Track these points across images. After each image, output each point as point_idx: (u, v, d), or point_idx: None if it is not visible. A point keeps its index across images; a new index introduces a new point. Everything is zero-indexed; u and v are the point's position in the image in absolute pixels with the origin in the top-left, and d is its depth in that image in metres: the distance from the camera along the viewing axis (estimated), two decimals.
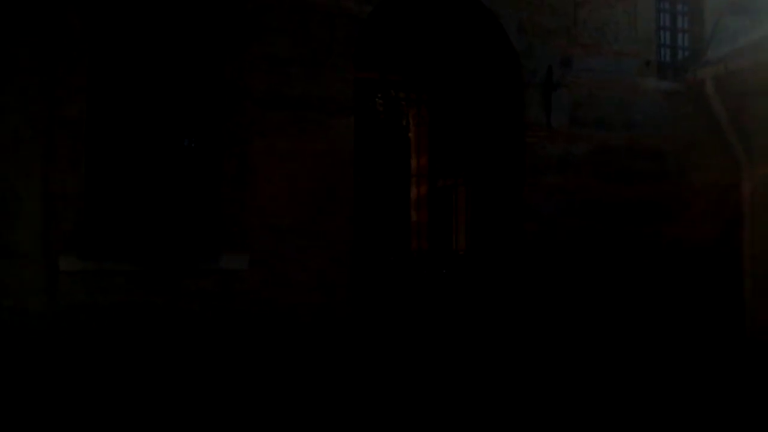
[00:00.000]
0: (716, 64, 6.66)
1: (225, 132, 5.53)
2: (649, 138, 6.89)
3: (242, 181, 5.52)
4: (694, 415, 5.00)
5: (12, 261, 4.97)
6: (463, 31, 6.69)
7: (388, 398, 5.28)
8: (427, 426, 4.63)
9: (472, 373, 5.95)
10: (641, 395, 5.42)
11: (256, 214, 5.53)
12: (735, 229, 6.97)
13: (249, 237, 5.50)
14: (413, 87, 6.80)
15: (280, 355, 5.46)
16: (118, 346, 5.11)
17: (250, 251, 5.48)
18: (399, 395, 5.35)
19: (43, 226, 5.05)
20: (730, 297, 6.84)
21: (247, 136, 5.55)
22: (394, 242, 7.25)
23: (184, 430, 4.64)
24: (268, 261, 5.52)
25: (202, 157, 5.61)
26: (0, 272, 4.93)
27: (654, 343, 6.57)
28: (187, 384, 5.19)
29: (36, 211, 5.06)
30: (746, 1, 7.33)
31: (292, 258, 5.59)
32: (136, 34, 5.43)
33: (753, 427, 4.65)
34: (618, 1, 6.83)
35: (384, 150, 7.55)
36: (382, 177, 7.22)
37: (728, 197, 7.03)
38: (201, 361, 5.28)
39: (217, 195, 5.52)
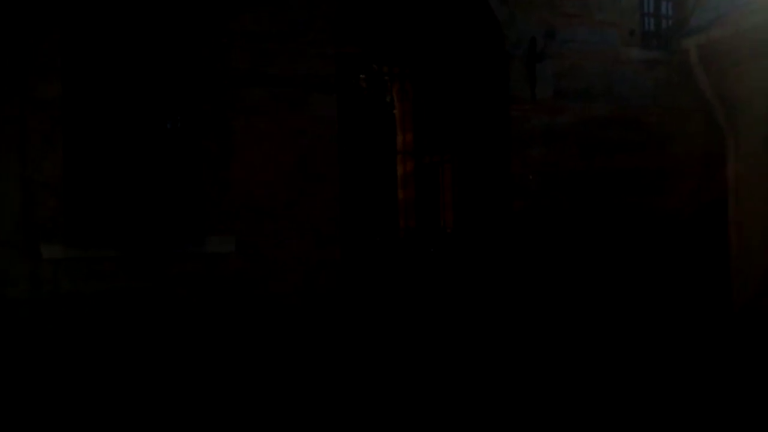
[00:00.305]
0: (699, 33, 6.61)
1: (205, 112, 5.43)
2: (633, 109, 6.87)
3: (225, 162, 5.44)
4: (680, 391, 5.06)
5: None
6: (445, 3, 6.57)
7: (374, 382, 5.28)
8: (415, 413, 4.65)
9: (461, 353, 5.96)
10: (629, 373, 5.46)
11: (240, 195, 5.46)
12: (721, 200, 7.01)
13: (234, 219, 5.43)
14: (396, 61, 6.71)
15: (268, 338, 5.43)
16: (104, 333, 5.05)
17: (235, 234, 5.42)
18: (386, 380, 5.35)
19: (23, 213, 4.96)
20: (716, 270, 6.90)
21: (227, 116, 5.46)
22: (381, 221, 7.22)
23: (172, 416, 4.61)
24: (253, 243, 5.47)
25: (184, 138, 5.51)
26: None
27: (641, 317, 6.63)
28: (175, 370, 5.15)
29: (15, 197, 4.95)
30: None
31: (278, 239, 5.54)
32: (111, 10, 5.27)
33: (741, 403, 4.72)
34: None
35: (369, 127, 7.48)
36: (368, 154, 7.15)
37: (714, 168, 7.04)
38: (188, 347, 5.23)
39: (199, 177, 5.44)
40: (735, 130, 6.83)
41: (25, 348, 4.88)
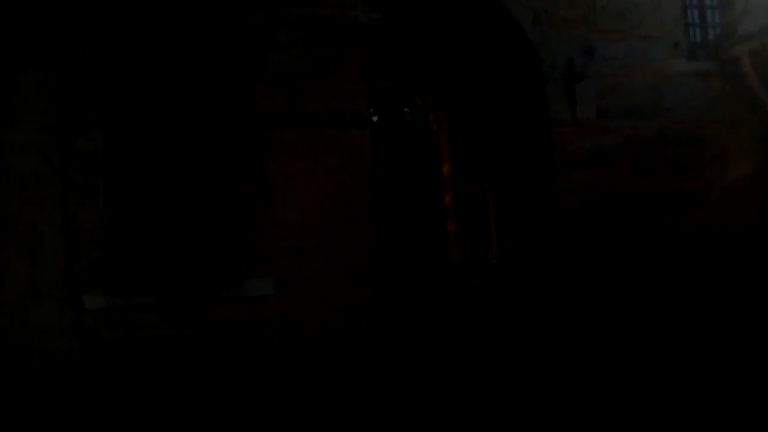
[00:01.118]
0: (751, 39, 6.25)
1: (241, 155, 5.44)
2: (683, 124, 6.51)
3: (260, 204, 5.42)
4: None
5: (37, 301, 4.96)
6: (476, 29, 6.46)
7: (420, 422, 5.05)
8: None
9: (511, 393, 5.66)
10: (679, 401, 5.05)
11: (276, 236, 5.40)
12: None
13: (271, 260, 5.37)
14: (429, 92, 6.62)
15: (310, 380, 5.30)
16: (146, 380, 5.03)
17: (273, 275, 5.36)
18: (432, 417, 5.11)
19: (66, 264, 5.04)
20: None
21: (261, 158, 5.45)
22: (423, 253, 7.05)
23: None
24: (291, 284, 5.38)
25: (220, 181, 5.53)
26: (26, 314, 4.93)
27: (692, 344, 6.14)
28: (219, 415, 5.08)
29: (58, 249, 5.05)
30: None
31: (316, 279, 5.43)
32: (144, 62, 5.40)
33: None
34: None
35: (408, 159, 7.39)
36: (408, 187, 7.04)
37: None
38: (230, 392, 5.16)
39: (236, 220, 5.43)
40: None
41: (72, 398, 4.91)
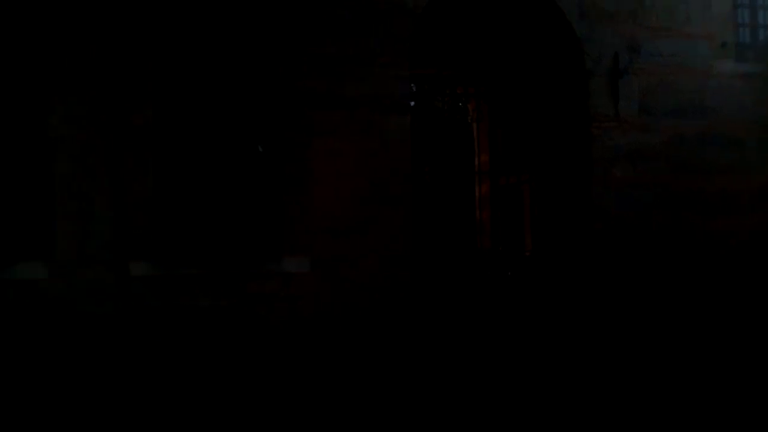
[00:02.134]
0: None
1: (286, 135, 5.58)
2: (727, 126, 6.42)
3: (301, 184, 5.56)
4: None
5: (86, 267, 5.20)
6: (521, 20, 6.46)
7: (446, 405, 5.16)
8: None
9: (538, 382, 5.72)
10: (708, 402, 5.06)
11: (316, 216, 5.55)
12: None
13: (309, 239, 5.52)
14: (471, 81, 6.64)
15: (339, 354, 5.46)
16: (185, 347, 5.25)
17: (311, 254, 5.51)
18: (458, 402, 5.21)
19: (115, 233, 5.26)
20: None
21: (304, 139, 5.58)
22: (457, 241, 7.12)
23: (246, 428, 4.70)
24: (327, 263, 5.53)
25: (265, 161, 5.68)
26: (75, 278, 5.17)
27: (727, 345, 6.12)
28: (253, 384, 5.27)
29: (108, 218, 5.27)
30: None
31: (351, 259, 5.57)
32: (198, 42, 5.56)
33: None
34: None
35: (446, 147, 7.44)
36: (445, 175, 7.09)
37: None
38: (266, 363, 5.35)
39: (279, 198, 5.58)
40: None
41: (113, 359, 5.15)
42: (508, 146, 6.88)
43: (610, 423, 4.78)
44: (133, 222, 5.28)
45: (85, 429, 4.67)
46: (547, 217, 6.60)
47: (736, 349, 6.09)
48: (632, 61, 6.19)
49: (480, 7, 6.39)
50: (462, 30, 6.42)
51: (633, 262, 6.13)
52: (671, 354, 6.00)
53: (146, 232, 5.32)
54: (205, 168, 5.58)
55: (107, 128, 5.28)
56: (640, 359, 5.91)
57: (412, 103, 7.02)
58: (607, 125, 6.19)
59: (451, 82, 6.71)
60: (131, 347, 5.18)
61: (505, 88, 6.70)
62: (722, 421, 4.68)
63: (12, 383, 4.96)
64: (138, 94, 5.35)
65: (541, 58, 6.57)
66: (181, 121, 5.57)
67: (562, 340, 6.08)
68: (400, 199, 5.71)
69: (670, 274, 6.19)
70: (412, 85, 6.60)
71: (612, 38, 6.19)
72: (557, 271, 6.42)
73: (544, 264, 6.52)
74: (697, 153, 6.37)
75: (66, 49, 5.25)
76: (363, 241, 5.61)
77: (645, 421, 4.77)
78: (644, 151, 6.26)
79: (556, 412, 5.01)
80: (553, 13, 6.13)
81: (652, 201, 6.23)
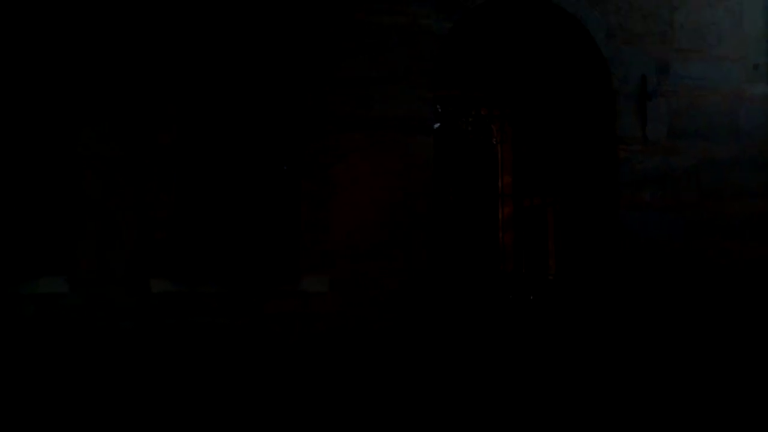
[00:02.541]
0: None
1: (307, 155, 5.57)
2: (759, 149, 6.25)
3: (322, 204, 5.53)
4: None
5: (107, 282, 5.22)
6: (547, 41, 6.42)
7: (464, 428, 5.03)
8: None
9: (557, 409, 5.56)
10: None
11: (336, 236, 5.51)
12: None
13: (329, 259, 5.48)
14: (495, 103, 6.60)
15: (354, 374, 5.38)
16: (203, 365, 5.22)
17: (330, 274, 5.47)
18: (476, 426, 5.08)
19: (136, 249, 5.29)
20: None
21: (328, 159, 5.57)
22: (480, 263, 7.02)
23: None
24: (347, 283, 5.48)
25: (287, 180, 5.69)
26: (96, 293, 5.20)
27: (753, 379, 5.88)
28: (271, 404, 5.21)
29: (130, 234, 5.30)
30: None
31: (371, 280, 5.51)
32: (224, 63, 5.62)
33: None
34: (720, 0, 6.31)
35: (470, 169, 7.38)
36: (469, 197, 7.02)
37: None
38: (282, 383, 5.29)
39: (299, 217, 5.56)
40: None
41: (131, 375, 5.14)
42: (533, 168, 6.79)
43: None
44: (155, 239, 5.31)
45: None
46: (571, 240, 6.47)
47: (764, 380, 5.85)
48: (661, 83, 6.09)
49: (505, 29, 6.37)
50: (487, 52, 6.40)
51: (661, 287, 5.96)
52: (696, 381, 5.78)
53: (168, 249, 5.33)
54: (226, 187, 5.60)
55: (134, 147, 5.34)
56: (666, 390, 5.71)
57: (437, 125, 7.00)
58: (634, 147, 6.07)
59: (475, 104, 6.68)
60: (150, 364, 5.17)
61: (529, 110, 6.64)
62: None
63: (31, 396, 4.98)
64: (165, 113, 5.40)
65: (566, 79, 6.50)
66: (205, 140, 5.61)
67: (585, 366, 5.90)
68: (423, 220, 5.65)
69: (699, 301, 6.00)
70: (437, 106, 6.58)
71: (640, 59, 6.10)
72: (582, 295, 6.26)
73: (568, 288, 6.38)
74: (728, 177, 6.20)
75: (98, 70, 5.33)
76: (384, 262, 5.56)
77: None
78: (673, 174, 6.11)
79: None
80: (580, 33, 6.06)
81: (682, 225, 6.07)
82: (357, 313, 5.47)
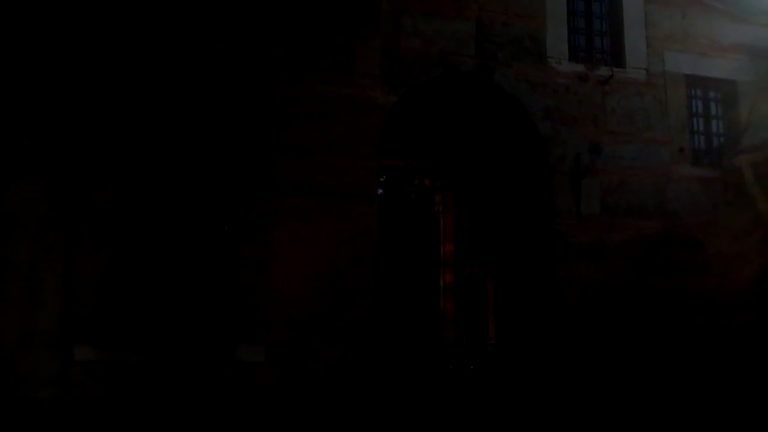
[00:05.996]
0: (753, 152, 6.44)
1: (249, 219, 5.50)
2: (686, 227, 6.61)
3: (261, 268, 5.44)
4: None
5: (29, 349, 4.92)
6: (488, 118, 6.68)
7: None
8: None
9: None
10: None
11: (275, 301, 5.40)
12: None
13: (266, 326, 5.35)
14: (437, 174, 6.77)
15: None
16: None
17: (267, 341, 5.32)
18: None
19: (61, 313, 5.02)
20: None
21: (270, 223, 5.52)
22: (421, 332, 7.00)
23: None
24: (286, 353, 5.33)
25: (225, 244, 5.57)
26: (17, 361, 4.88)
27: None
28: None
29: (56, 298, 5.05)
30: None
31: (310, 349, 5.38)
32: (166, 124, 5.56)
33: None
34: (648, 89, 6.77)
35: (412, 237, 7.45)
36: (410, 265, 7.07)
37: None
38: None
39: (236, 283, 5.43)
40: None
41: None
42: (473, 237, 6.94)
43: None
44: (82, 303, 5.06)
45: None
46: (510, 308, 6.57)
47: None
48: (594, 162, 6.40)
49: (449, 104, 6.61)
50: (431, 125, 6.60)
51: (594, 355, 6.08)
52: None
53: (95, 314, 5.09)
54: (162, 249, 5.43)
55: (67, 206, 5.15)
56: None
57: (380, 192, 7.09)
58: (569, 222, 6.30)
59: (419, 174, 6.83)
60: None
61: (471, 181, 6.84)
62: None
63: None
64: (101, 171, 5.27)
65: (506, 154, 6.75)
66: (143, 200, 5.47)
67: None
68: (364, 288, 5.62)
69: (632, 369, 6.13)
70: (382, 175, 6.68)
71: (575, 139, 6.42)
72: (520, 363, 6.32)
73: (507, 356, 6.43)
74: (658, 252, 6.50)
75: (28, 122, 5.18)
76: (324, 331, 5.46)
77: None
78: (606, 248, 6.36)
79: None
80: (519, 113, 6.36)
81: (614, 297, 6.27)
82: (295, 385, 5.30)
